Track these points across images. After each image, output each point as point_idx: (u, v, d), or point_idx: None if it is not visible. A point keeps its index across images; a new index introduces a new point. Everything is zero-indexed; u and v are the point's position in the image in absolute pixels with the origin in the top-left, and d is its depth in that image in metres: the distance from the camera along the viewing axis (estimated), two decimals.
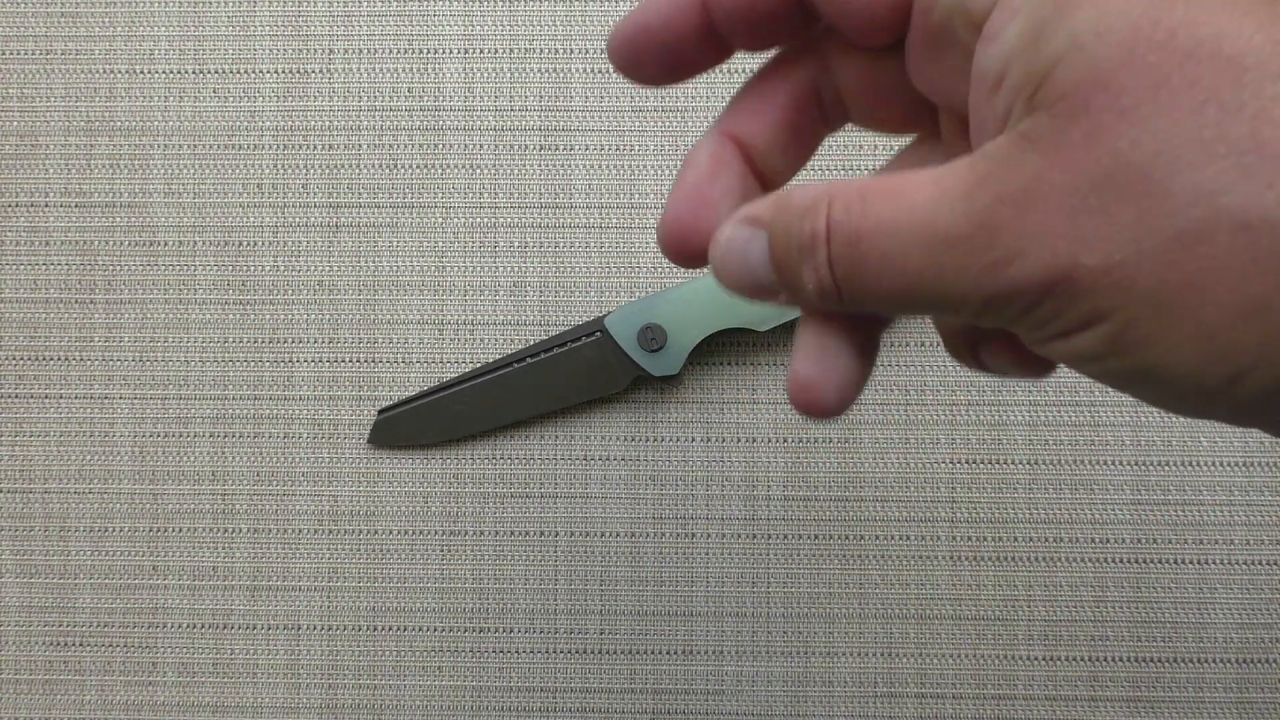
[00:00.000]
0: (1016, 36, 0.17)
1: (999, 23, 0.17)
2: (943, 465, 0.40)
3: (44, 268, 0.42)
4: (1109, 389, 0.40)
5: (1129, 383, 0.18)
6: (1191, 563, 0.40)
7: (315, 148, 0.42)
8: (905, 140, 0.23)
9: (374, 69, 0.42)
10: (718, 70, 0.42)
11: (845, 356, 0.20)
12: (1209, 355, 0.16)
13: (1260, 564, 0.40)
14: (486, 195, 0.41)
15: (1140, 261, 0.16)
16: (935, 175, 0.18)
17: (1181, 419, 0.40)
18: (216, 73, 0.42)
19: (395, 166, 0.42)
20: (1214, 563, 0.40)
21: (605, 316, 0.40)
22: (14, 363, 0.42)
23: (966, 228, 0.17)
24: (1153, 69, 0.16)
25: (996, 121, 0.18)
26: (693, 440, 0.41)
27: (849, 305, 0.19)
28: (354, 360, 0.41)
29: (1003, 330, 0.20)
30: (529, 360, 0.40)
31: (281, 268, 0.42)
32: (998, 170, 0.17)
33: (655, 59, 0.21)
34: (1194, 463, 0.40)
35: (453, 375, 0.41)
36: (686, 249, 0.22)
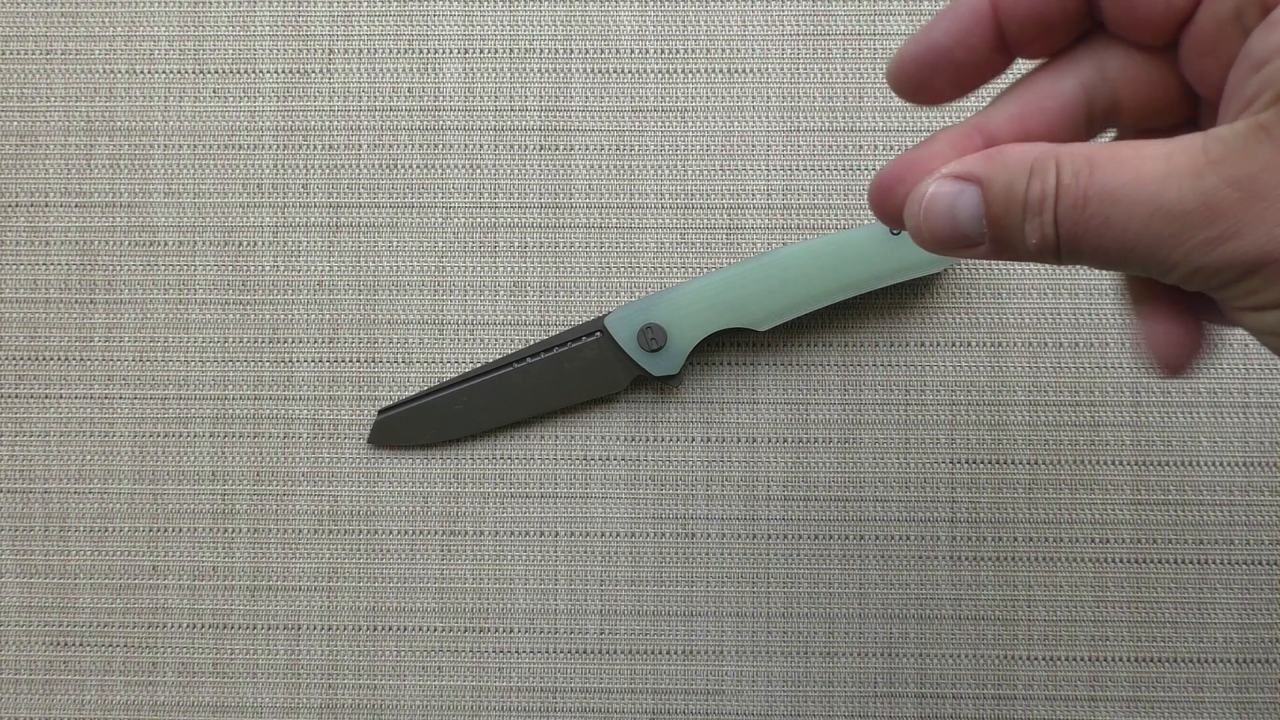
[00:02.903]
0: None
1: None
2: (943, 465, 0.40)
3: (44, 268, 0.42)
4: (1109, 389, 0.40)
5: None
6: (1191, 563, 0.40)
7: (315, 148, 0.42)
8: None
9: (374, 69, 0.42)
10: (717, 70, 0.42)
11: (1183, 322, 0.23)
12: None
13: (1260, 564, 0.40)
14: (486, 195, 0.41)
15: None
16: (1166, 151, 0.19)
17: (1181, 419, 0.40)
18: (216, 73, 0.42)
19: (395, 166, 0.42)
20: (1214, 563, 0.40)
21: (605, 316, 0.40)
22: (14, 363, 0.42)
23: (1193, 204, 0.19)
24: None
25: (1242, 102, 0.19)
26: (693, 440, 0.41)
27: (1064, 259, 0.21)
28: (354, 360, 0.41)
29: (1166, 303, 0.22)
30: (529, 360, 0.40)
31: (281, 268, 0.42)
32: (1230, 155, 0.19)
33: (946, 78, 0.23)
34: (1194, 463, 0.40)
35: (453, 375, 0.41)
36: (891, 202, 0.23)
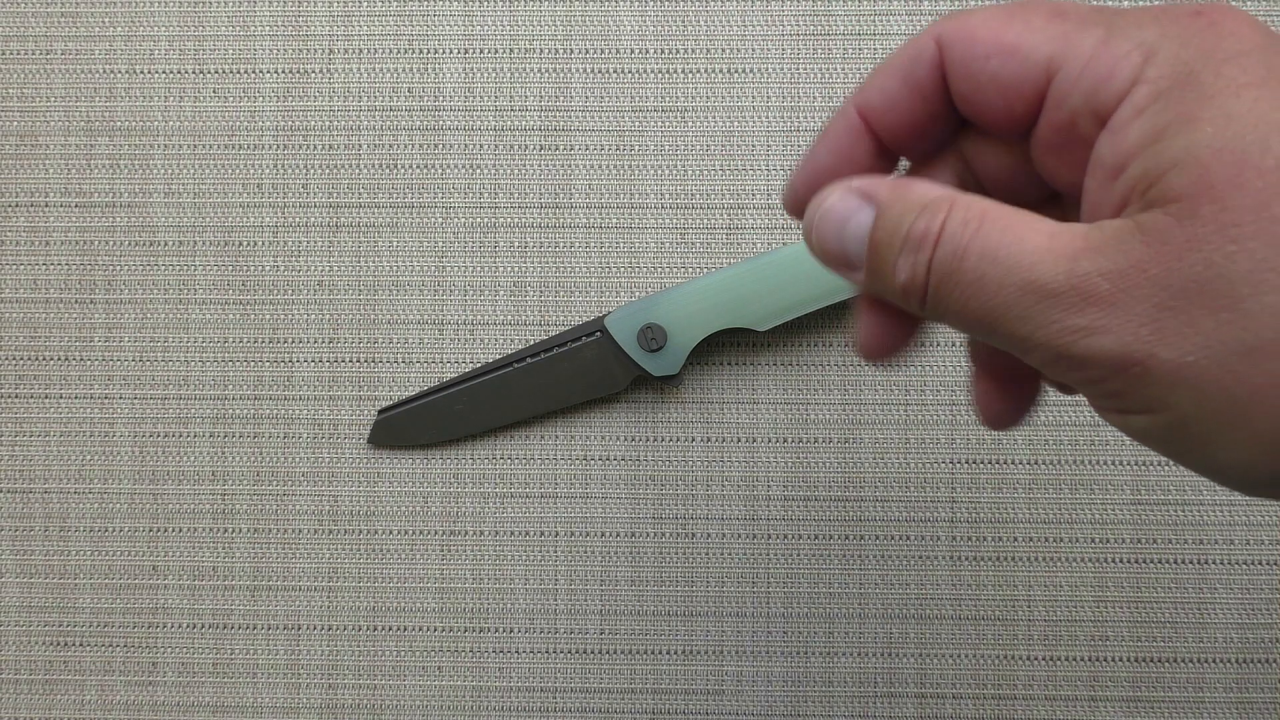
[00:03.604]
0: (1139, 135, 0.19)
1: (1123, 119, 0.19)
2: (943, 465, 0.40)
3: (44, 268, 0.42)
4: None
5: (1177, 459, 0.20)
6: (1191, 563, 0.40)
7: (315, 148, 0.42)
8: None
9: (374, 69, 0.42)
10: (717, 70, 0.42)
11: (894, 329, 0.23)
12: (1262, 455, 0.18)
13: (1260, 564, 0.40)
14: (486, 195, 0.41)
15: (1211, 366, 0.18)
16: (1051, 230, 0.19)
17: None
18: (216, 73, 0.42)
19: (395, 166, 0.42)
20: (1214, 563, 0.40)
21: (605, 316, 0.40)
22: (14, 363, 0.42)
23: (1063, 286, 0.18)
24: (1258, 192, 0.17)
25: (1112, 207, 0.19)
26: (693, 440, 0.41)
27: (928, 312, 0.20)
28: (354, 360, 0.41)
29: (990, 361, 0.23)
30: (529, 360, 0.40)
31: (281, 268, 0.42)
32: (1106, 246, 0.18)
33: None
34: None
35: (453, 375, 0.41)
36: (802, 207, 0.23)
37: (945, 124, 0.22)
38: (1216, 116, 0.18)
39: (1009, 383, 0.23)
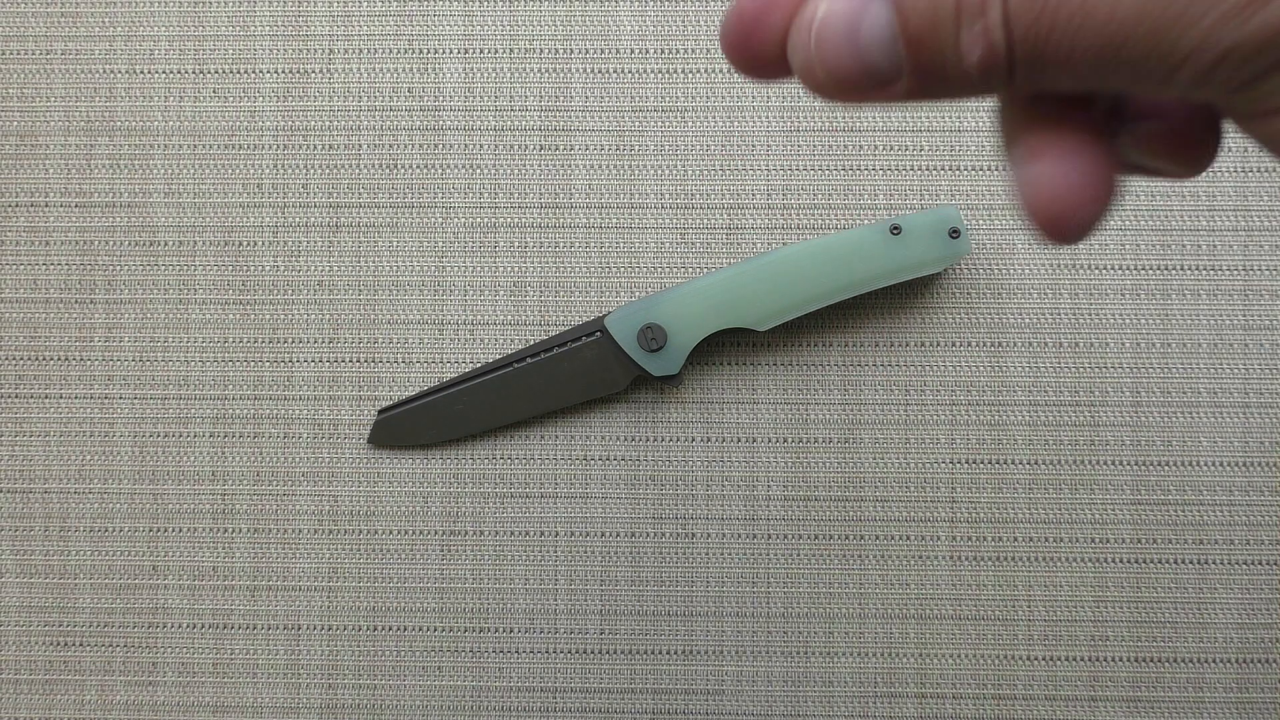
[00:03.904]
0: None
1: None
2: (943, 465, 0.40)
3: (44, 268, 0.42)
4: (1109, 389, 0.40)
5: None
6: (1191, 563, 0.40)
7: (315, 148, 0.42)
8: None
9: (374, 69, 0.42)
10: (717, 70, 0.42)
11: (1090, 154, 0.17)
12: None
13: (1260, 564, 0.40)
14: (486, 195, 0.41)
15: None
16: None
17: (1181, 419, 0.40)
18: (216, 73, 0.42)
19: (395, 166, 0.42)
20: (1214, 563, 0.40)
21: (605, 316, 0.40)
22: (14, 363, 0.42)
23: None
24: None
25: None
26: (693, 440, 0.41)
27: (1022, 78, 0.16)
28: (354, 360, 0.41)
29: (1155, 117, 0.17)
30: (529, 360, 0.40)
31: (281, 268, 0.42)
32: None
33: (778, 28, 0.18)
34: (1194, 463, 0.40)
35: (453, 375, 0.41)
36: (759, 36, 0.17)
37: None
38: None
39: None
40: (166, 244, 0.42)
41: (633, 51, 0.41)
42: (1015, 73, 0.15)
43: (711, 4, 0.41)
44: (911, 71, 0.16)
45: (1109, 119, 0.18)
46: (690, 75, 0.41)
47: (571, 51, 0.42)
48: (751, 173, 0.41)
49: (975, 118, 0.41)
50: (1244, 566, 0.40)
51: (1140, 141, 0.18)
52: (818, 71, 0.16)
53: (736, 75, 0.41)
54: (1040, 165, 0.16)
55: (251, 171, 0.42)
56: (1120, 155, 0.18)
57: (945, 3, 0.15)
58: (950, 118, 0.41)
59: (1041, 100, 0.17)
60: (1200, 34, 0.14)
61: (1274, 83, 0.15)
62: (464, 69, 0.42)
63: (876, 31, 0.16)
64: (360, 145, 0.42)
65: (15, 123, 0.42)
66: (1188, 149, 0.17)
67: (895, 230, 0.38)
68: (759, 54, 0.17)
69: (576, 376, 0.40)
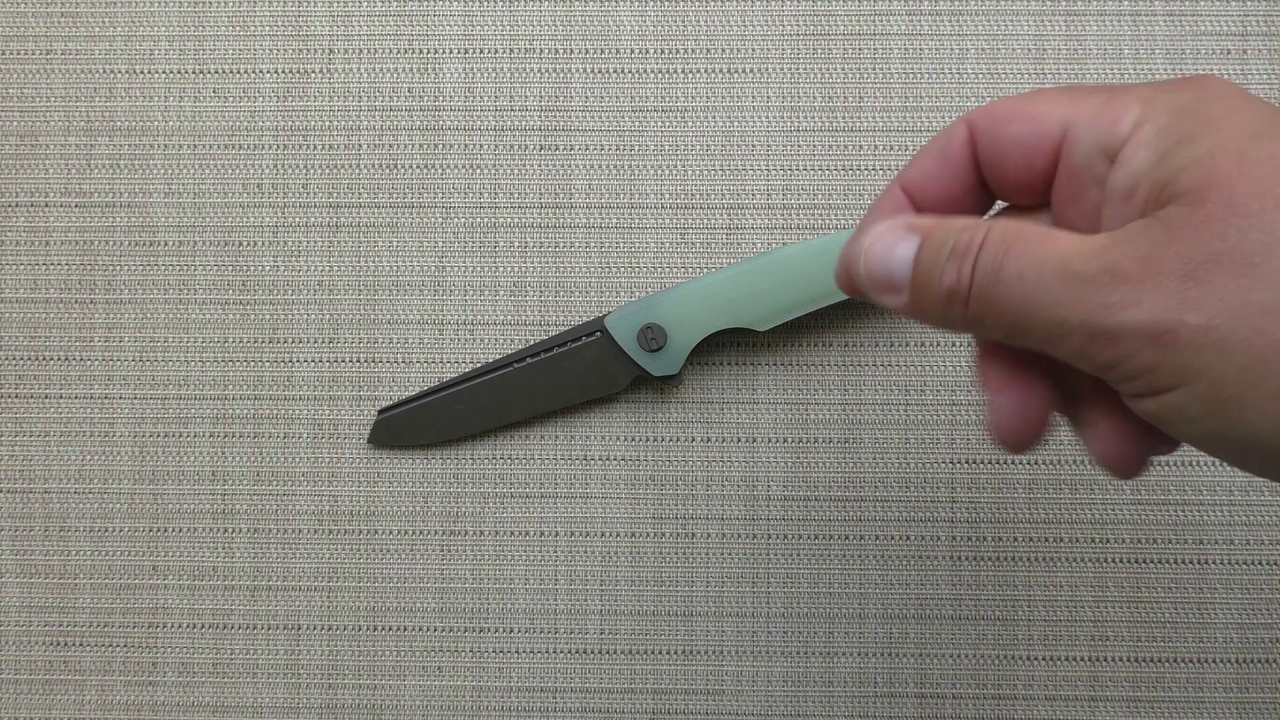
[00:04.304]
0: (1147, 159, 0.21)
1: (1131, 150, 0.22)
2: (943, 465, 0.40)
3: (44, 268, 0.42)
4: None
5: (1218, 443, 0.21)
6: (1191, 563, 0.40)
7: (315, 148, 0.42)
8: None
9: (374, 69, 0.42)
10: (717, 70, 0.42)
11: (1033, 389, 0.24)
12: None
13: (1260, 564, 0.40)
14: (486, 195, 0.41)
15: (1235, 326, 0.19)
16: (1080, 236, 0.21)
17: None
18: (216, 73, 0.42)
19: (395, 166, 0.42)
20: (1214, 563, 0.40)
21: (605, 316, 0.40)
22: (14, 363, 0.42)
23: (1095, 270, 0.20)
24: (1258, 179, 0.20)
25: (1133, 216, 0.22)
26: (693, 440, 0.41)
27: (971, 312, 0.22)
28: (354, 360, 0.41)
29: (1098, 397, 0.24)
30: (529, 360, 0.40)
31: (281, 268, 0.42)
32: (1130, 238, 0.21)
33: None
34: (1194, 463, 0.40)
35: (453, 375, 0.41)
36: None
37: (977, 198, 0.25)
38: (1212, 133, 0.21)
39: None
40: (166, 244, 0.42)
41: (633, 51, 0.41)
42: (969, 306, 0.22)
43: (711, 4, 0.41)
44: (910, 287, 0.23)
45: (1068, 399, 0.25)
46: (690, 75, 0.41)
47: (571, 51, 0.42)
48: (751, 173, 0.41)
49: None
50: (1244, 566, 0.40)
51: (1083, 436, 0.25)
52: (860, 271, 0.24)
53: (736, 75, 0.41)
54: (999, 397, 0.24)
55: (251, 171, 0.42)
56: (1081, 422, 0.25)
57: (947, 243, 0.22)
58: (950, 118, 0.41)
59: (1005, 350, 0.24)
60: (1080, 317, 0.21)
61: (1125, 370, 0.21)
62: (464, 69, 0.42)
63: (902, 254, 0.23)
64: (360, 145, 0.42)
65: (15, 123, 0.42)
66: (1116, 460, 0.24)
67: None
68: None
69: (576, 376, 0.40)
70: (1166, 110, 0.22)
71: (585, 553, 0.41)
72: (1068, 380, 0.24)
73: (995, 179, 0.25)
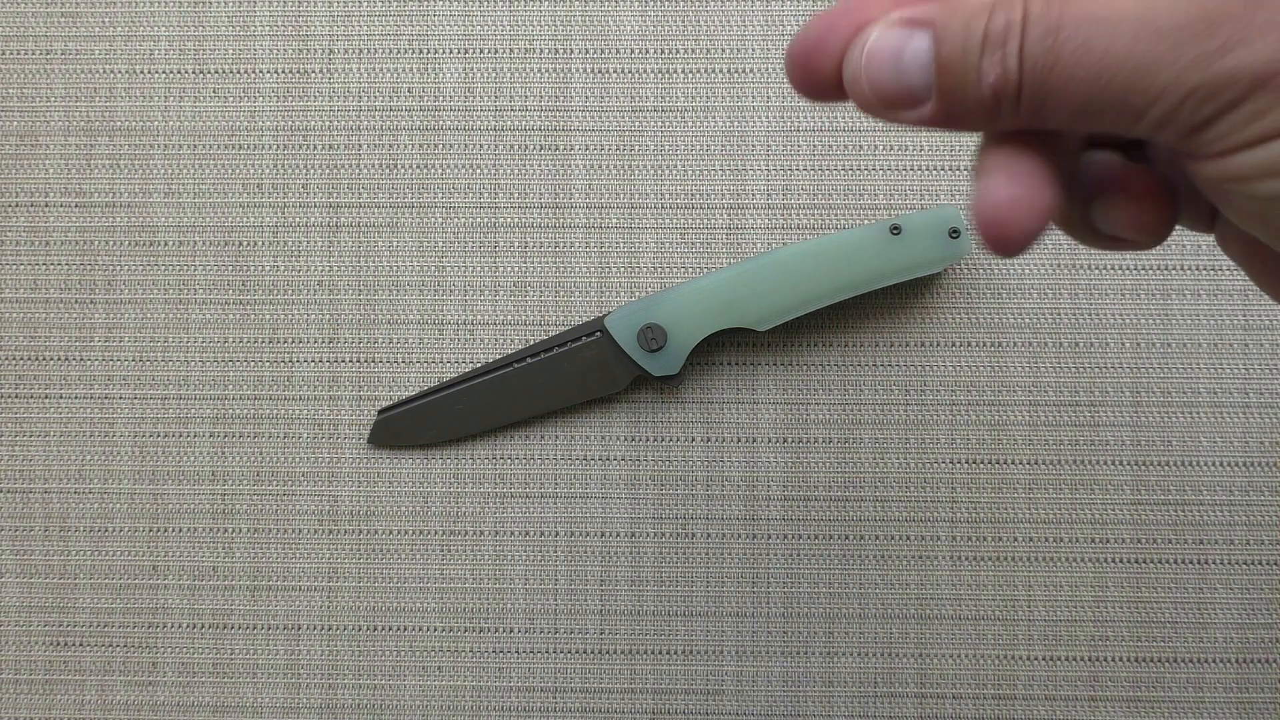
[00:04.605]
0: None
1: None
2: (943, 465, 0.40)
3: (44, 268, 0.42)
4: (1109, 389, 0.40)
5: None
6: (1191, 563, 0.40)
7: (315, 148, 0.42)
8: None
9: (374, 69, 0.42)
10: (717, 70, 0.42)
11: (1037, 178, 0.19)
12: None
13: (1260, 564, 0.40)
14: (486, 195, 0.41)
15: None
16: None
17: (1181, 419, 0.40)
18: (216, 73, 0.42)
19: (395, 166, 0.42)
20: (1214, 563, 0.40)
21: (605, 316, 0.40)
22: (14, 363, 0.42)
23: (1186, 17, 0.17)
24: None
25: None
26: (693, 440, 0.41)
27: (1025, 106, 0.18)
28: (354, 360, 0.41)
29: (1129, 180, 0.20)
30: (529, 360, 0.40)
31: (281, 268, 0.42)
32: None
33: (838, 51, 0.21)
34: (1194, 463, 0.40)
35: (453, 375, 0.41)
36: (819, 59, 0.20)
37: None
38: None
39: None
40: (166, 244, 0.42)
41: (633, 51, 0.41)
42: (1021, 100, 0.18)
43: (711, 4, 0.41)
44: (939, 93, 0.19)
45: (1084, 191, 0.21)
46: (690, 75, 0.41)
47: (571, 51, 0.42)
48: (751, 173, 0.41)
49: None
50: (1244, 566, 0.40)
51: (1109, 211, 0.21)
52: (864, 87, 0.19)
53: (736, 75, 0.41)
54: (992, 179, 0.19)
55: (251, 171, 0.42)
56: (1094, 226, 0.21)
57: (975, 32, 0.18)
58: None
59: (1015, 134, 0.20)
60: (1173, 74, 0.17)
61: (1224, 125, 0.17)
62: (464, 69, 0.42)
63: (917, 57, 0.19)
64: (360, 145, 0.42)
65: (15, 123, 0.42)
66: (1147, 218, 0.21)
67: (895, 230, 0.38)
68: (818, 76, 0.20)
69: (576, 376, 0.40)
70: None
71: (585, 553, 0.41)
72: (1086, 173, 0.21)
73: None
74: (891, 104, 0.19)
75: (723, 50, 0.41)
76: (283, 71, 0.42)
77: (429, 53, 0.42)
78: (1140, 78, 0.17)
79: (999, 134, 0.20)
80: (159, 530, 0.41)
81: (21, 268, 0.42)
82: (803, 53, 0.20)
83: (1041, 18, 0.18)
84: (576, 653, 0.41)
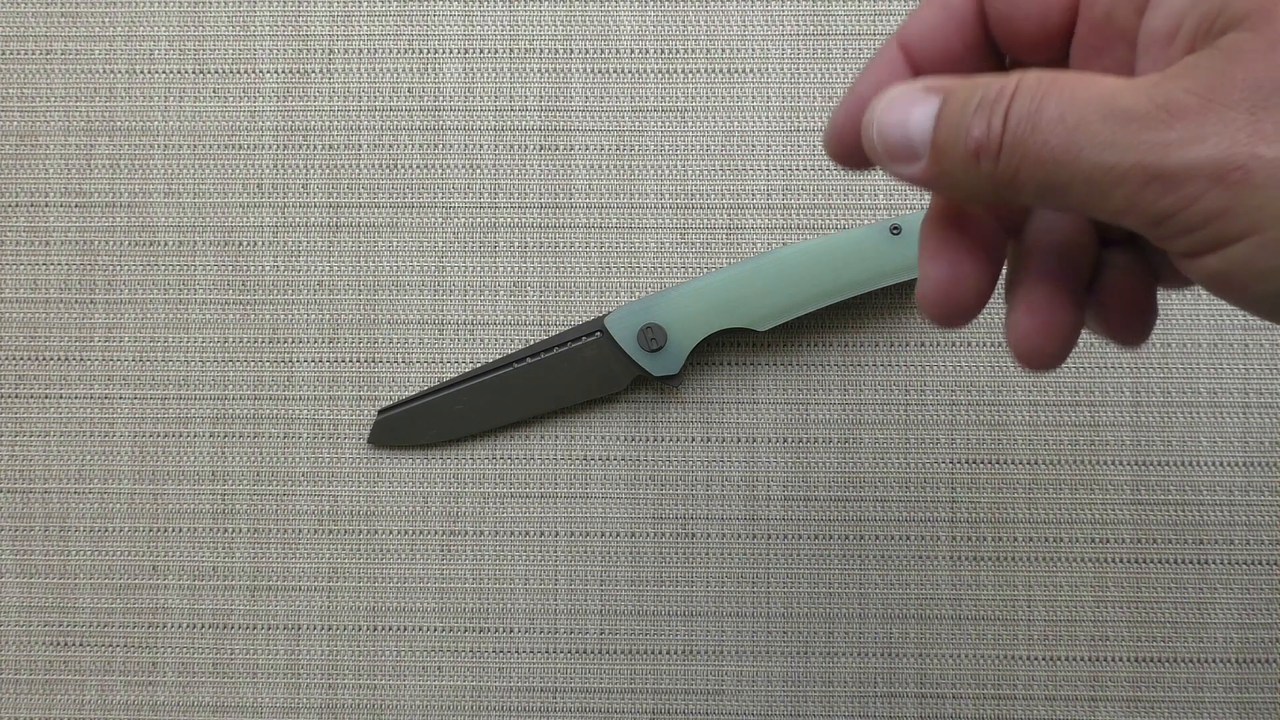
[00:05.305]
0: None
1: None
2: (943, 465, 0.40)
3: (44, 268, 0.42)
4: (1109, 389, 0.40)
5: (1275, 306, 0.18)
6: (1191, 563, 0.40)
7: (315, 148, 0.42)
8: None
9: (374, 69, 0.42)
10: (717, 70, 0.42)
11: (974, 261, 0.21)
12: None
13: (1260, 564, 0.40)
14: (486, 195, 0.41)
15: None
16: (1127, 78, 0.19)
17: (1181, 419, 0.40)
18: (216, 73, 0.42)
19: (395, 166, 0.42)
20: (1214, 563, 0.40)
21: (605, 316, 0.40)
22: (14, 363, 0.42)
23: (1148, 106, 0.18)
24: None
25: (1180, 52, 0.19)
26: (693, 440, 0.41)
27: (1002, 169, 0.19)
28: (354, 360, 0.41)
29: (1116, 270, 0.21)
30: (529, 360, 0.40)
31: (281, 268, 0.42)
32: (1186, 71, 0.18)
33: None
34: (1194, 463, 0.40)
35: (453, 375, 0.41)
36: (845, 138, 0.22)
37: (982, 55, 0.23)
38: None
39: (1056, 303, 0.22)
40: (166, 244, 0.42)
41: (633, 51, 0.41)
42: (1000, 160, 0.19)
43: (711, 4, 0.41)
44: (931, 148, 0.20)
45: (1078, 283, 0.22)
46: (690, 75, 0.41)
47: (571, 51, 0.42)
48: (751, 173, 0.41)
49: None
50: (1244, 566, 0.40)
51: (1095, 316, 0.22)
52: (874, 134, 0.21)
53: (736, 75, 0.41)
54: (935, 264, 0.21)
55: (251, 171, 0.42)
56: (1086, 323, 0.23)
57: (972, 100, 0.19)
58: None
59: (960, 217, 0.22)
60: (1135, 157, 0.18)
61: (1186, 218, 0.18)
62: (464, 69, 0.42)
63: (921, 116, 0.20)
64: (360, 145, 0.42)
65: (15, 123, 0.42)
66: (1126, 326, 0.22)
67: (895, 230, 0.38)
68: (849, 149, 0.23)
69: (576, 376, 0.40)
70: None
71: (585, 553, 0.41)
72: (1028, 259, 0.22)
73: (1005, 33, 0.22)
74: (893, 156, 0.21)
75: (723, 50, 0.41)
76: (283, 71, 0.42)
77: (429, 53, 0.42)
78: (1105, 157, 0.18)
79: (942, 210, 0.22)
80: (159, 530, 0.41)
81: (21, 268, 0.42)
82: (835, 135, 0.23)
83: (1030, 89, 0.19)
84: (576, 653, 0.41)
